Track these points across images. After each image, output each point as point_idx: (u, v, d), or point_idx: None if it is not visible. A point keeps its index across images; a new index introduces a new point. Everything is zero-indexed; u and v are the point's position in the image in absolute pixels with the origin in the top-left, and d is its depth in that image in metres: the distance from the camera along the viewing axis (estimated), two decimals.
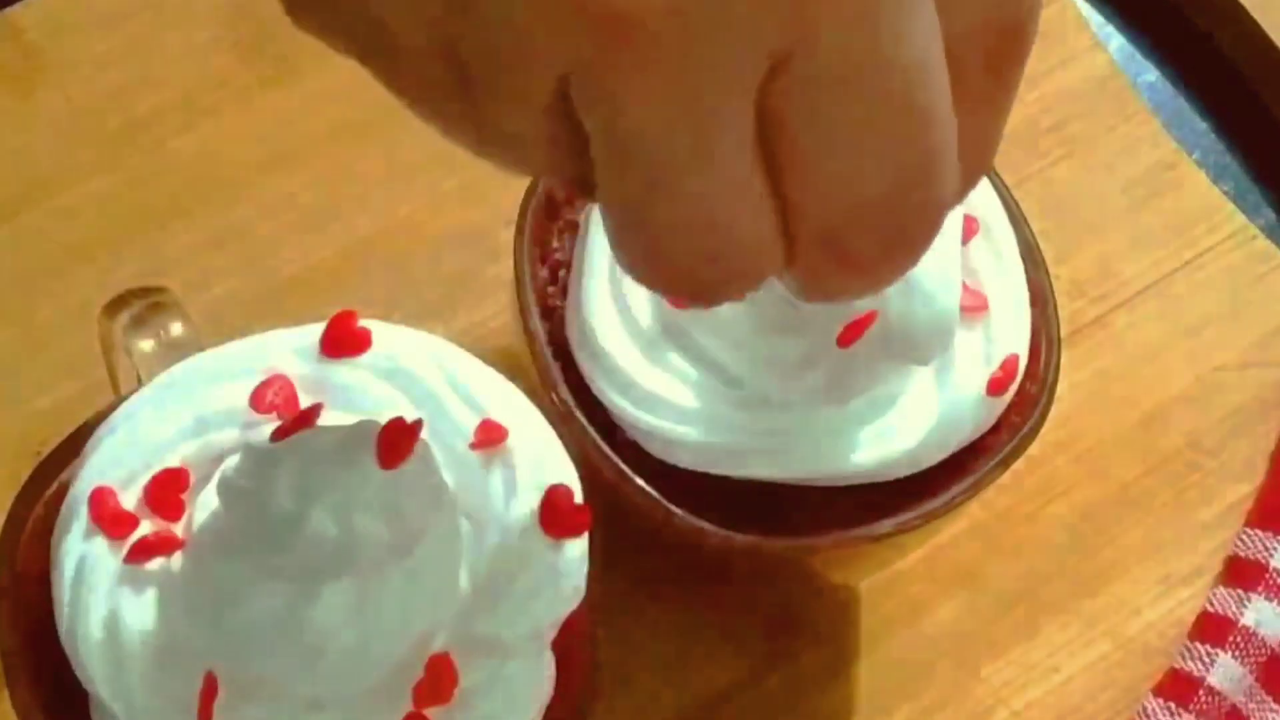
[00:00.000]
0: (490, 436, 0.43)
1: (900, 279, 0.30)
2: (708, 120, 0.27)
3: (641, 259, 0.29)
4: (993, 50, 0.30)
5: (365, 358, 0.43)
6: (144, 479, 0.42)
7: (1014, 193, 0.51)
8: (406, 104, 0.30)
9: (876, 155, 0.28)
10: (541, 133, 0.29)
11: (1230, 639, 0.56)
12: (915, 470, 0.48)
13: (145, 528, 0.42)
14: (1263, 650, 0.56)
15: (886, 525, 0.47)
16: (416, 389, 0.43)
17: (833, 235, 0.29)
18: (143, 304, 0.47)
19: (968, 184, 0.31)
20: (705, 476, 0.47)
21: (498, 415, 0.43)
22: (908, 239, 0.29)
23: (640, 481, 0.47)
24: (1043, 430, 0.49)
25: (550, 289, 0.50)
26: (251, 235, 0.59)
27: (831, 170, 0.28)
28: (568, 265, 0.50)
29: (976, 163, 0.31)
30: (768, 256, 0.29)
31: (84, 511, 0.42)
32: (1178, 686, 0.55)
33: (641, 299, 0.48)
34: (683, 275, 0.29)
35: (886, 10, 0.27)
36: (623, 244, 0.29)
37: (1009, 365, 0.48)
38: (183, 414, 0.43)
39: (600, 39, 0.26)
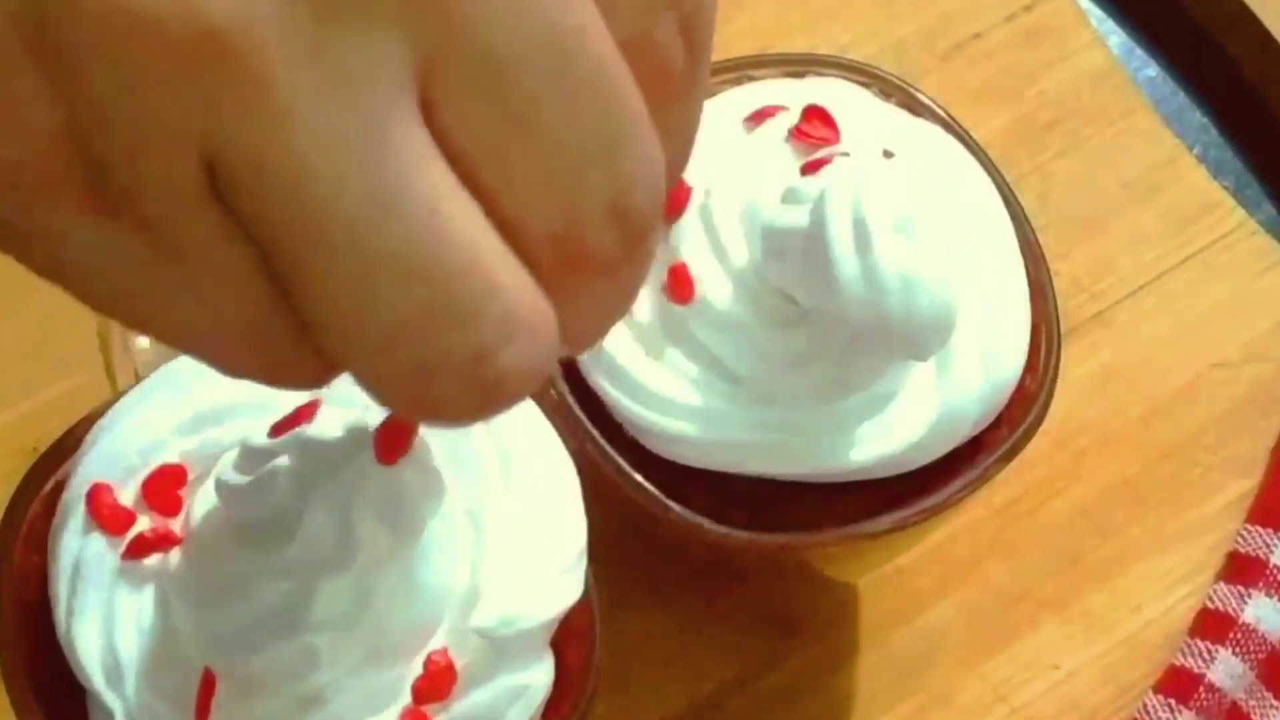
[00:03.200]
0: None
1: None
2: (380, 146, 0.24)
3: (379, 348, 0.25)
4: (681, 24, 0.27)
5: None
6: (141, 475, 0.42)
7: (1014, 189, 0.51)
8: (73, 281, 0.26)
9: (577, 132, 0.25)
10: (215, 240, 0.24)
11: (1230, 635, 0.56)
12: (915, 467, 0.48)
13: (143, 524, 0.42)
14: (1263, 647, 0.56)
15: (886, 522, 0.47)
16: None
17: (564, 241, 0.25)
18: None
19: (674, 175, 0.28)
20: (704, 473, 0.47)
21: None
22: (639, 221, 0.26)
23: (639, 478, 0.47)
24: (1042, 427, 0.49)
25: None
26: None
27: (536, 167, 0.25)
28: None
29: (681, 152, 0.28)
30: (513, 288, 0.25)
31: (81, 508, 0.42)
32: (1178, 683, 0.55)
33: (641, 295, 0.47)
34: (440, 347, 0.25)
35: None
36: (353, 341, 0.25)
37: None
38: (180, 410, 0.43)
39: (211, 80, 0.23)
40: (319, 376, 0.26)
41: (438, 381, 0.25)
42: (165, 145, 0.24)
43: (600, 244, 0.26)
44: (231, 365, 0.26)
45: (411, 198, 0.24)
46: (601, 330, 0.28)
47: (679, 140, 0.28)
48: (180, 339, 0.26)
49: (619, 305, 0.28)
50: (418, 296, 0.24)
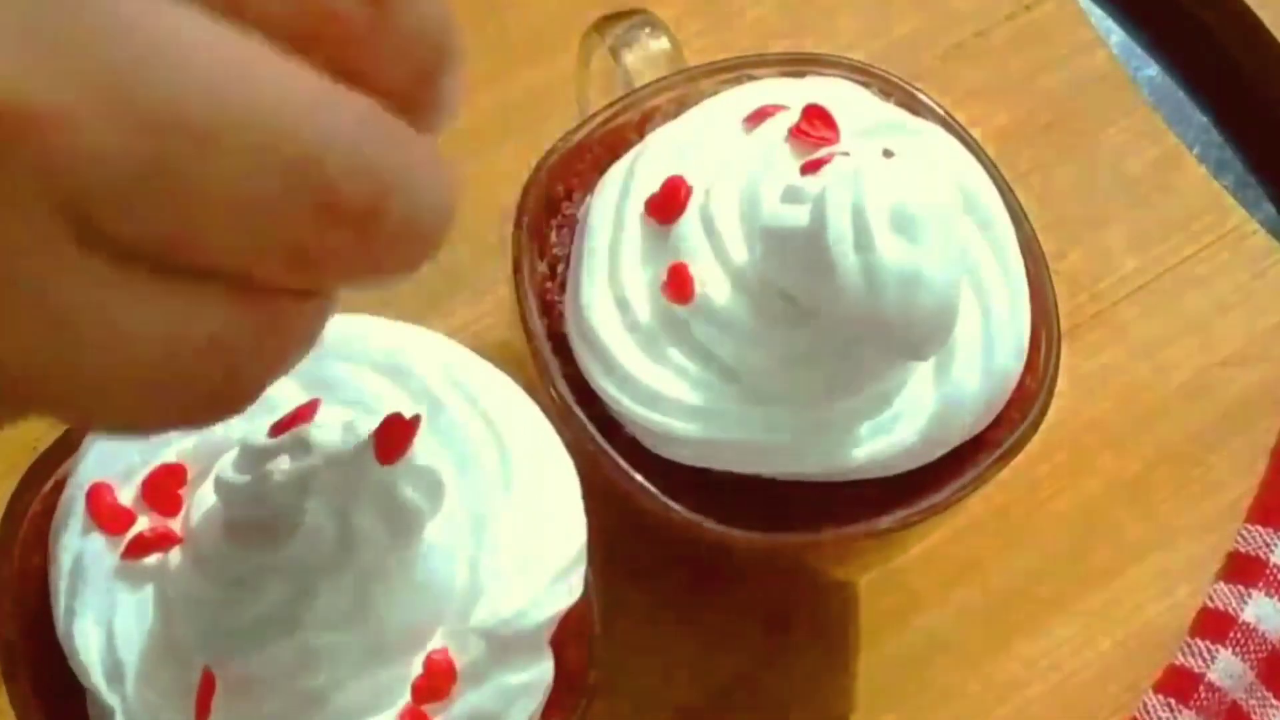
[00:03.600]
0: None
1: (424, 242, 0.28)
2: (45, 299, 0.26)
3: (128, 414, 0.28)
4: None
5: (363, 353, 0.43)
6: (141, 474, 0.42)
7: (1014, 188, 0.51)
8: None
9: (245, 181, 0.25)
10: None
11: (1230, 635, 0.56)
12: (915, 466, 0.48)
13: (142, 524, 0.42)
14: (1263, 646, 0.56)
15: (886, 521, 0.47)
16: (414, 384, 0.43)
17: (293, 259, 0.26)
18: None
19: (428, 72, 0.27)
20: (704, 472, 0.47)
21: (496, 411, 0.43)
22: (357, 205, 0.26)
23: (639, 477, 0.47)
24: (1042, 426, 0.49)
25: (549, 284, 0.50)
26: None
27: (219, 240, 0.25)
28: (566, 260, 0.50)
29: (430, 47, 0.27)
30: (227, 311, 0.26)
31: (81, 507, 0.42)
32: (1178, 683, 0.55)
33: (641, 294, 0.47)
34: (164, 396, 0.28)
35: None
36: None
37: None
38: None
39: None
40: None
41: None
42: None
43: (331, 244, 0.26)
44: None
45: (94, 334, 0.26)
46: (406, 263, 0.29)
47: (409, 48, 0.27)
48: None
49: (407, 247, 0.29)
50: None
